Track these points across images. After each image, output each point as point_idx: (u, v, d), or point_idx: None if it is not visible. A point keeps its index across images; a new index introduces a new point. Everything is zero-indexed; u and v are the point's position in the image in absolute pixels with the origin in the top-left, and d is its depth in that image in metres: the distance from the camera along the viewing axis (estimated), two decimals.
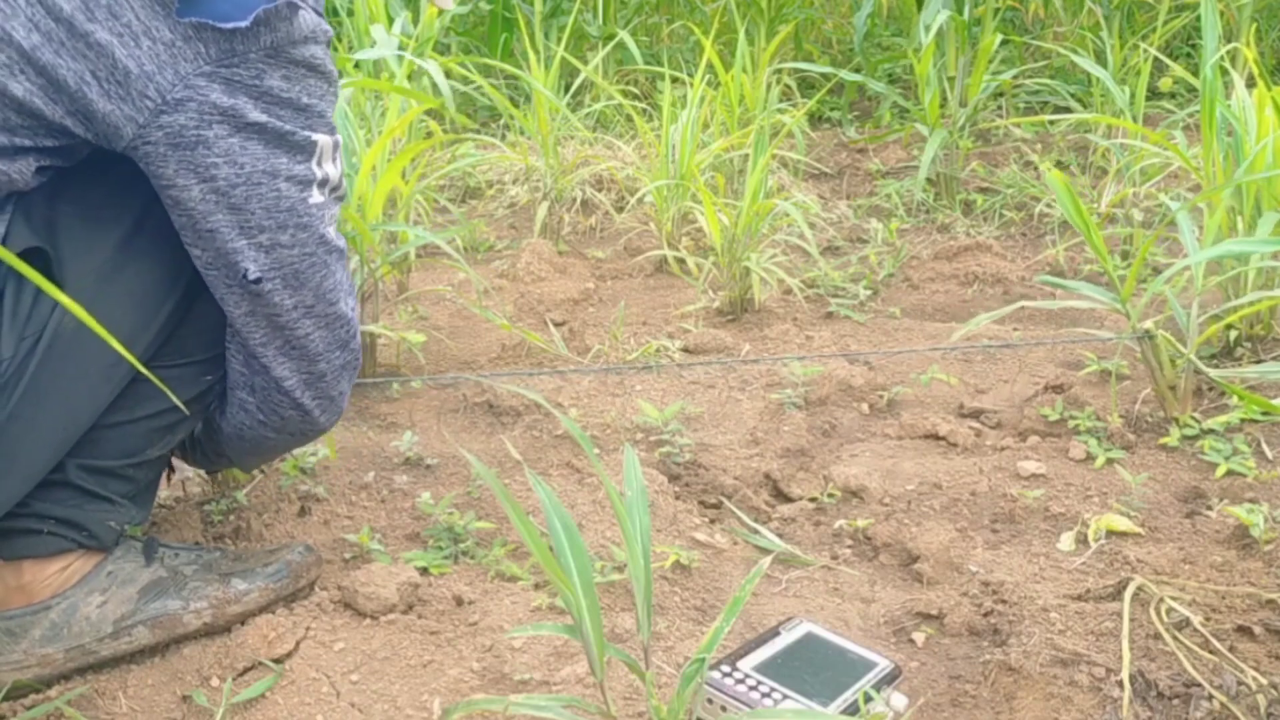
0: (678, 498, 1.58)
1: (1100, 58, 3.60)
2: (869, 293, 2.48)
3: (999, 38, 3.20)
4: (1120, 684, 1.14)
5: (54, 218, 1.08)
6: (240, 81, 1.04)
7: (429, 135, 2.62)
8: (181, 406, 1.18)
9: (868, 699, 1.10)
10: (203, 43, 1.02)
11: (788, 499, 1.64)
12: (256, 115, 1.06)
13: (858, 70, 4.03)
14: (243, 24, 1.02)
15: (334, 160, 1.17)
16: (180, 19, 1.01)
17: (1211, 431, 1.72)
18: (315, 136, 1.12)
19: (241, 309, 1.16)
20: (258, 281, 1.13)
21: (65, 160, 1.08)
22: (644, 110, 3.42)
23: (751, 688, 1.08)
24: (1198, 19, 2.95)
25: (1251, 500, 1.51)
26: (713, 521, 1.55)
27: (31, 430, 1.08)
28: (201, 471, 1.56)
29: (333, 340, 1.23)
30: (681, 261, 2.56)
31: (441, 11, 2.52)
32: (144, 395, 1.17)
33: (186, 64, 1.02)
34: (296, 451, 1.58)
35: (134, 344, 1.13)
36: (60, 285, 1.07)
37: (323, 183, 1.15)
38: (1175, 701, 1.13)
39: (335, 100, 1.16)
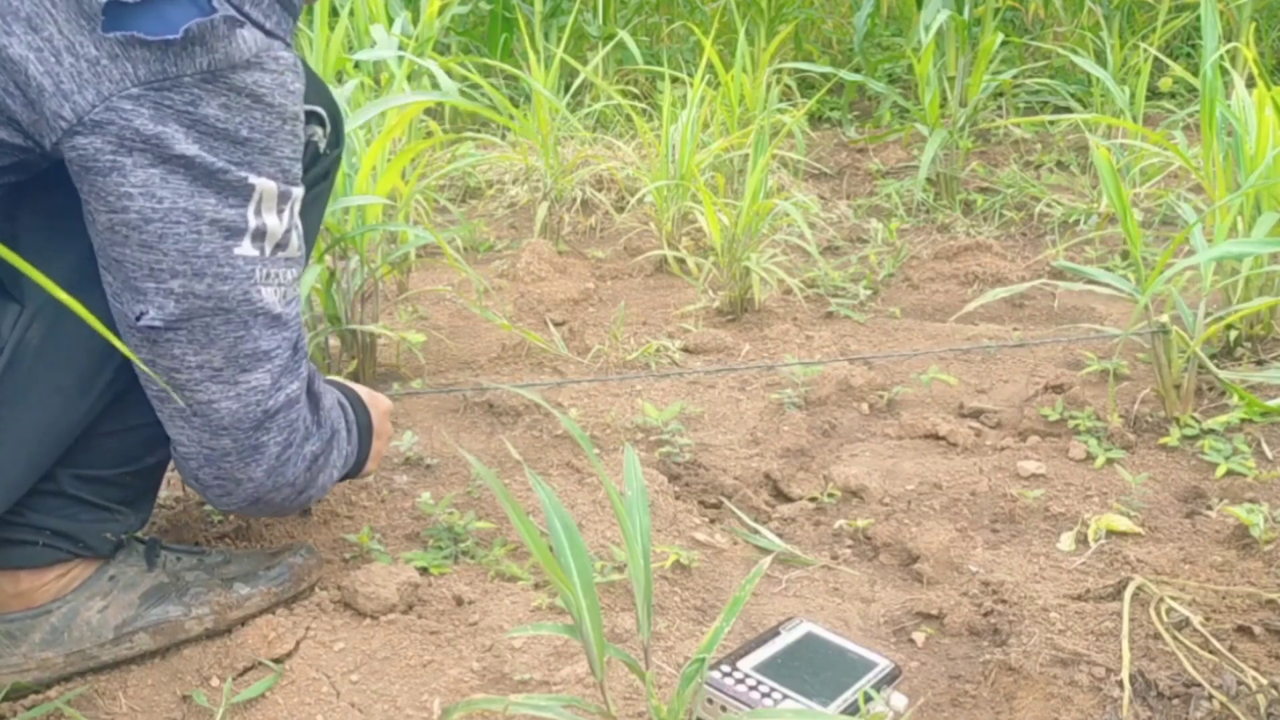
0: (678, 498, 1.58)
1: (1100, 58, 3.60)
2: (869, 293, 2.48)
3: (999, 38, 3.20)
4: (1120, 684, 1.14)
5: (15, 231, 1.04)
6: (172, 107, 0.96)
7: (429, 135, 2.62)
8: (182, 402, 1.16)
9: (868, 699, 1.10)
10: (130, 62, 0.94)
11: (788, 499, 1.64)
12: (185, 146, 0.97)
13: (858, 70, 4.03)
14: (173, 36, 0.94)
15: (279, 212, 1.05)
16: (106, 34, 0.94)
17: (1211, 431, 1.72)
18: (254, 179, 1.02)
19: (141, 354, 1.05)
20: (156, 329, 1.03)
21: (19, 175, 1.03)
22: (644, 110, 3.42)
23: (751, 688, 1.08)
24: (1198, 19, 2.95)
25: (1251, 500, 1.51)
26: (713, 521, 1.55)
27: (4, 448, 1.05)
28: None
29: (244, 416, 1.09)
30: (681, 261, 2.56)
31: None
32: (138, 404, 1.14)
33: (111, 84, 0.94)
34: None
35: (113, 354, 1.08)
36: (22, 299, 1.03)
37: (258, 234, 1.04)
38: (1175, 701, 1.13)
39: (290, 141, 1.05)
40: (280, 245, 1.07)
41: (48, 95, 0.94)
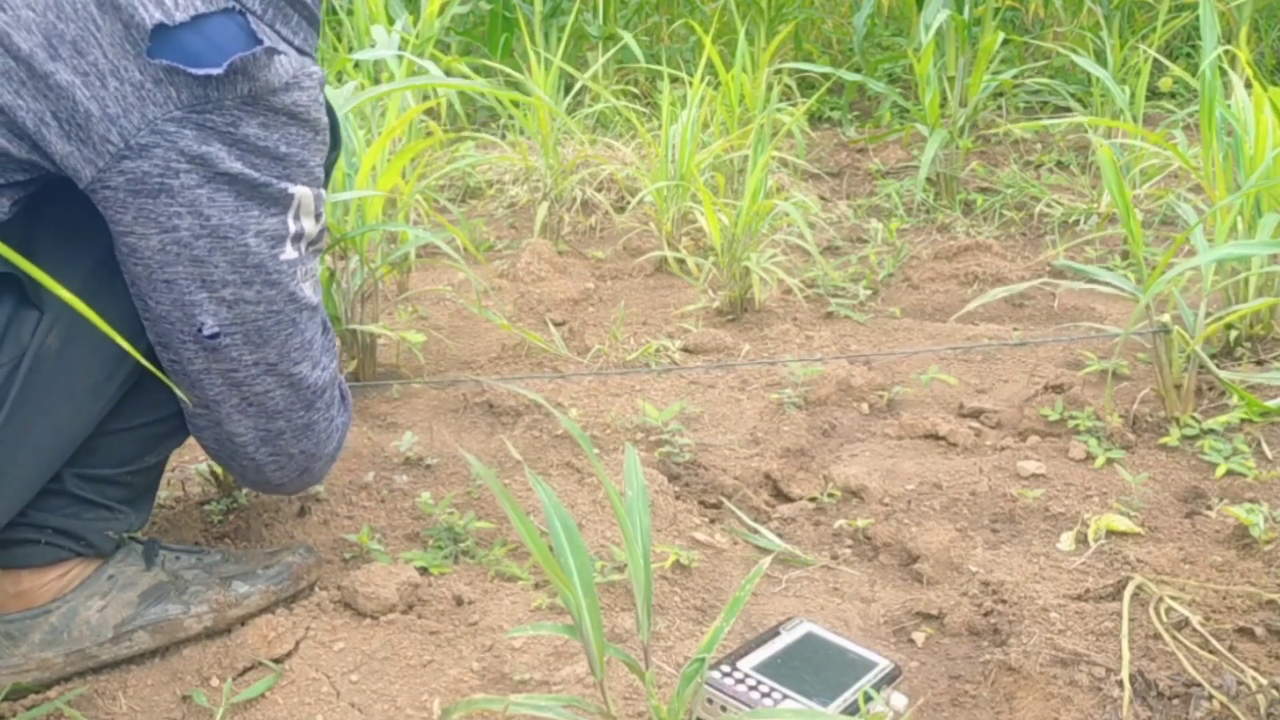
0: (678, 498, 1.58)
1: (1100, 58, 3.60)
2: (869, 293, 2.48)
3: (999, 37, 3.20)
4: (1120, 684, 1.14)
5: (30, 238, 1.04)
6: (214, 128, 0.99)
7: (429, 135, 2.62)
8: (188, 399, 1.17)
9: (868, 699, 1.10)
10: (174, 86, 0.97)
11: (788, 499, 1.64)
12: (230, 164, 1.00)
13: (858, 70, 4.03)
14: (216, 71, 0.96)
15: (314, 214, 1.10)
16: (151, 60, 0.95)
17: (1211, 431, 1.72)
18: (293, 189, 1.06)
19: (196, 365, 1.10)
20: (215, 337, 1.07)
21: (38, 185, 1.03)
22: (643, 111, 3.42)
23: (751, 688, 1.08)
24: (1197, 19, 2.95)
25: (1251, 500, 1.51)
26: (713, 521, 1.55)
27: (18, 452, 1.06)
28: (202, 470, 1.56)
29: (296, 399, 1.16)
30: (681, 261, 2.56)
31: None
32: (142, 403, 1.16)
33: (155, 108, 0.96)
34: None
35: (126, 358, 1.09)
36: (40, 305, 1.04)
37: (297, 237, 1.09)
38: (1175, 701, 1.13)
39: (321, 149, 1.09)
40: (312, 242, 1.12)
41: (95, 120, 0.96)
